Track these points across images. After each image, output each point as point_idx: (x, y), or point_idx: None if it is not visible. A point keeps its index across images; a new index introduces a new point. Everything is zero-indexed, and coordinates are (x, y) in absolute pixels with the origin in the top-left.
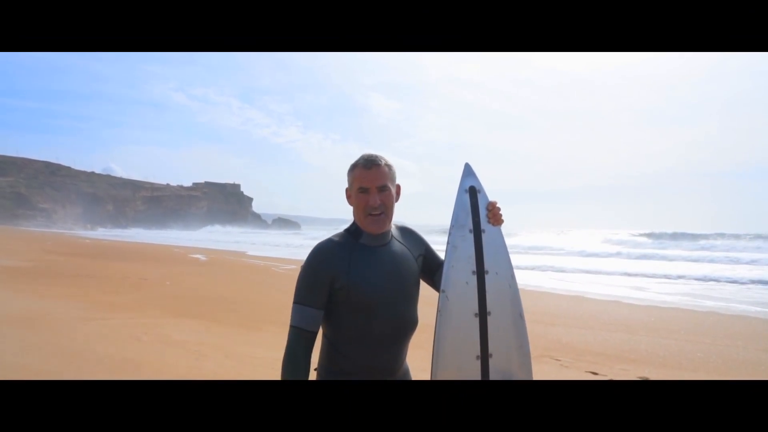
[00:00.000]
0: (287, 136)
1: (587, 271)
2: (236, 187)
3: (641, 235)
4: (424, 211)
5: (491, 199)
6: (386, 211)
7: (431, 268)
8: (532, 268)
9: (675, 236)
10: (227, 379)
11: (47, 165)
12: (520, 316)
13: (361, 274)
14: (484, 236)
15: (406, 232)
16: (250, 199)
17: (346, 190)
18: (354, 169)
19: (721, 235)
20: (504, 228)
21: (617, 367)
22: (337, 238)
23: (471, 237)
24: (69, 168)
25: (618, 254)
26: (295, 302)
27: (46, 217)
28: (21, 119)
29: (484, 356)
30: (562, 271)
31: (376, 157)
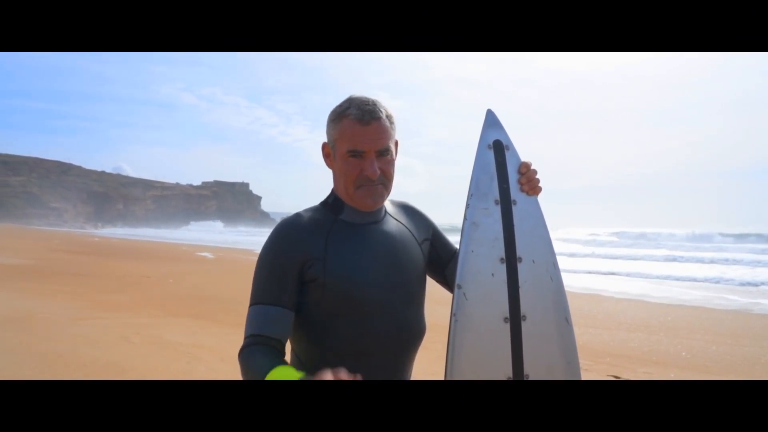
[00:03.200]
0: (294, 136)
1: (598, 271)
2: (245, 185)
3: (650, 234)
4: (430, 211)
5: (524, 159)
6: (386, 183)
7: (441, 259)
8: None
9: (686, 237)
10: None
11: (59, 164)
12: (566, 321)
13: (343, 261)
14: (515, 209)
15: (407, 210)
16: (259, 198)
17: (324, 145)
18: (341, 119)
19: (734, 235)
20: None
21: (640, 369)
22: (308, 213)
23: (498, 211)
24: (80, 167)
25: (632, 256)
26: (251, 304)
27: (57, 216)
28: (29, 120)
29: (518, 376)
30: (575, 272)
31: (375, 105)
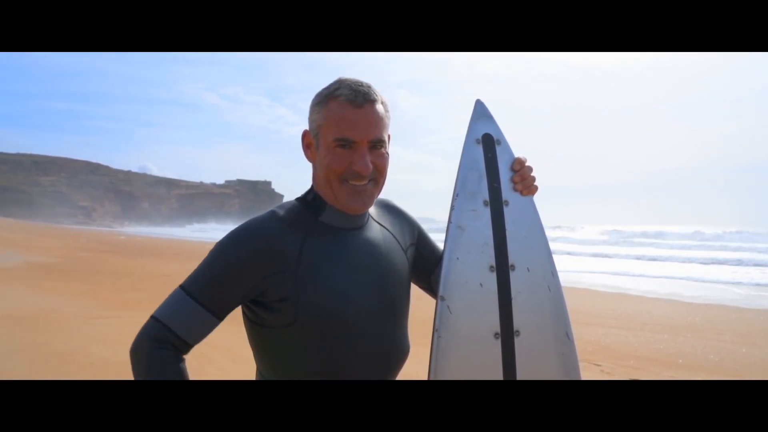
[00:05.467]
0: None
1: (617, 272)
2: (267, 184)
3: (672, 233)
4: (445, 210)
5: (517, 155)
6: (378, 179)
7: (427, 265)
8: (561, 271)
9: (713, 236)
10: None
11: (87, 164)
12: (566, 337)
13: (320, 274)
14: (507, 211)
15: (391, 211)
16: (281, 196)
17: (305, 133)
18: (328, 101)
19: (755, 233)
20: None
21: (665, 373)
22: (282, 212)
23: (487, 212)
24: (108, 167)
25: (653, 257)
26: (181, 286)
27: (86, 215)
28: (58, 120)
29: None
30: (596, 272)
31: (369, 87)
